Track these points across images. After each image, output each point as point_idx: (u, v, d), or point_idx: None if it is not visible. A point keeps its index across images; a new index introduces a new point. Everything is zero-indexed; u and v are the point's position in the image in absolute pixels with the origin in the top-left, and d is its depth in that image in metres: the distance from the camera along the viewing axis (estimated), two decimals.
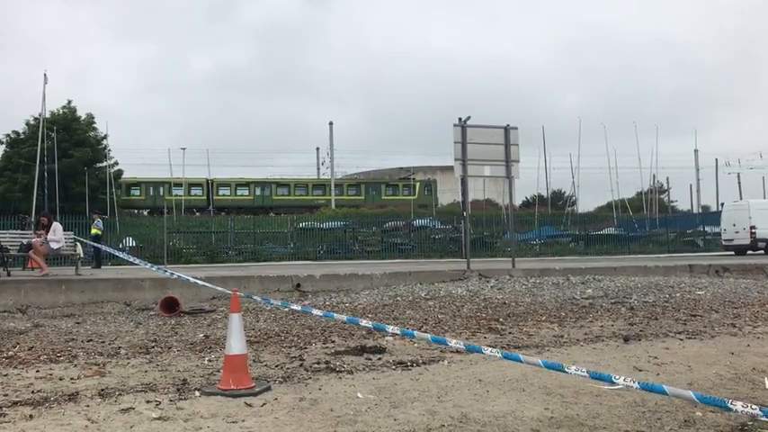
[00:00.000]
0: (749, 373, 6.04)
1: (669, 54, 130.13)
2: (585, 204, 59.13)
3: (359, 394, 5.14)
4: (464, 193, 20.09)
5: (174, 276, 8.03)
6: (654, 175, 56.09)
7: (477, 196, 52.84)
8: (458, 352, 6.76)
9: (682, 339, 7.73)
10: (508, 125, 16.92)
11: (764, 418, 2.69)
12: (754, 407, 2.52)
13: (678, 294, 12.17)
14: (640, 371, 6.02)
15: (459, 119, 16.97)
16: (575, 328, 8.73)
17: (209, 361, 6.73)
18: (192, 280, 7.30)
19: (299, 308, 5.84)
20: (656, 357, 6.60)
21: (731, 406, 2.55)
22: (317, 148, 63.67)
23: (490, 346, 7.32)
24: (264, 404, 4.83)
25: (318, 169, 63.47)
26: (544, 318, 9.64)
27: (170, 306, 11.00)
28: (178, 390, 5.37)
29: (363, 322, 5.01)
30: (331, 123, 59.73)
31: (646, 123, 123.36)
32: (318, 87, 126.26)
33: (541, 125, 66.24)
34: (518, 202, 63.22)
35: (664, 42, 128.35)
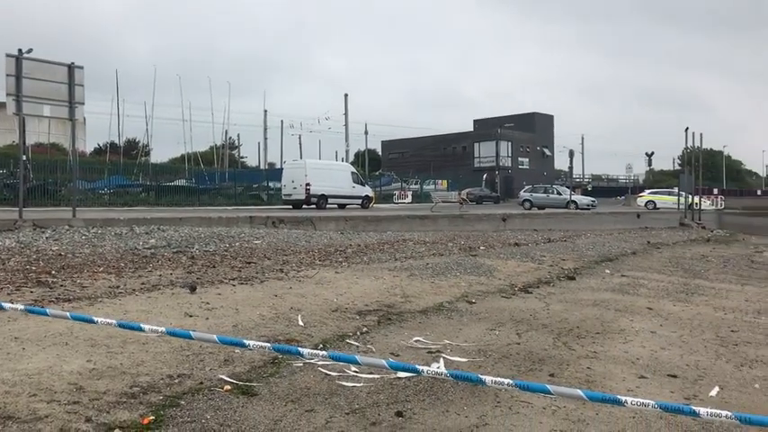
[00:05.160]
0: (288, 312, 6.78)
1: (239, 16, 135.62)
2: (160, 155, 58.65)
3: None
4: (21, 133, 17.89)
5: None
6: (226, 131, 58.35)
7: (42, 139, 47.96)
8: None
9: (234, 285, 8.25)
10: (73, 63, 15.57)
11: (274, 352, 3.03)
12: (263, 344, 2.82)
13: (237, 244, 12.96)
14: (191, 316, 6.24)
15: (20, 50, 15.00)
16: (133, 278, 8.60)
17: None
18: None
19: None
20: (208, 303, 6.91)
21: (247, 344, 2.82)
22: None
23: (36, 301, 6.78)
24: None
25: None
26: (102, 269, 9.27)
27: None
28: None
29: None
30: None
31: (220, 80, 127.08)
32: None
33: (115, 69, 62.86)
34: (89, 148, 59.39)
35: (235, 4, 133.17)
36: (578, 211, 35.17)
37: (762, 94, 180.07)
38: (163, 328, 2.99)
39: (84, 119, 42.31)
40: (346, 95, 61.96)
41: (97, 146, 61.12)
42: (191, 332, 2.99)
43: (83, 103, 15.87)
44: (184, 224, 16.14)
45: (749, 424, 2.27)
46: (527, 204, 39.38)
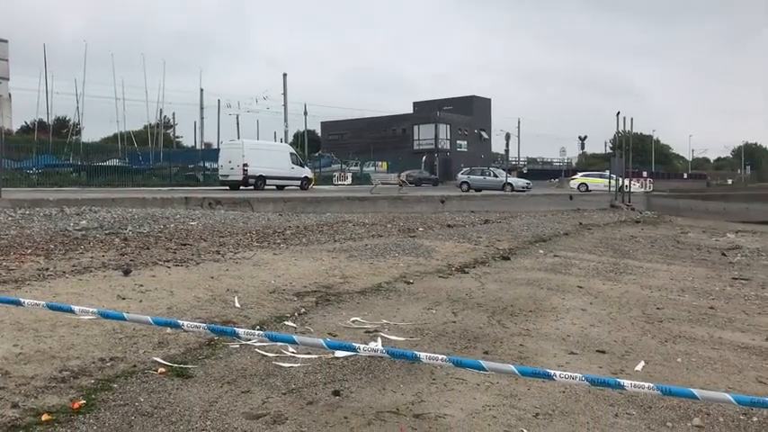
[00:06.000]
0: (224, 293, 6.71)
1: None
2: (92, 134, 56.75)
3: None
4: None
5: None
6: (161, 110, 56.88)
7: None
8: None
9: (169, 267, 8.10)
10: None
11: (210, 333, 3.00)
12: (198, 324, 2.79)
13: (172, 225, 12.70)
14: (124, 299, 6.10)
15: None
16: (63, 260, 8.34)
17: None
18: None
19: None
20: (141, 285, 6.77)
21: (182, 324, 2.78)
22: None
23: None
24: None
25: None
26: (30, 251, 8.95)
27: None
28: None
29: None
30: None
31: (155, 58, 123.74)
32: None
33: (42, 44, 60.31)
34: (16, 126, 56.95)
35: None
36: (514, 193, 35.82)
37: (690, 83, 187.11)
38: (95, 309, 2.91)
39: (10, 95, 40.47)
40: (285, 75, 60.83)
41: (24, 124, 58.59)
42: (124, 314, 2.92)
43: (7, 79, 15.27)
44: (117, 205, 15.70)
45: (670, 395, 2.38)
46: (465, 186, 39.85)
